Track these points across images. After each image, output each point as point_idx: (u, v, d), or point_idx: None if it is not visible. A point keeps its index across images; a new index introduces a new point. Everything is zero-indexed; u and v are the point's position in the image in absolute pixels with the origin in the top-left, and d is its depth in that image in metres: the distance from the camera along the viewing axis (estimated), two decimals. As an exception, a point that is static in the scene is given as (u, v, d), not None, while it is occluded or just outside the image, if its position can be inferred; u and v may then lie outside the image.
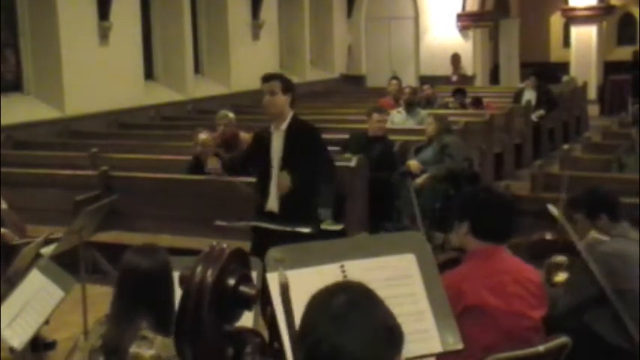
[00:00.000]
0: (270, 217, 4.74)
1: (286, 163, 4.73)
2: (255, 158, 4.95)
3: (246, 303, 1.93)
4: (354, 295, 1.50)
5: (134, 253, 2.83)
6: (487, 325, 2.90)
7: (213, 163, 5.09)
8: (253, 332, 2.09)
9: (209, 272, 1.86)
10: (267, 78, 4.84)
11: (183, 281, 1.93)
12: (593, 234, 3.65)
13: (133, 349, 2.62)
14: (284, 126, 4.76)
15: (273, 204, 4.79)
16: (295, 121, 4.81)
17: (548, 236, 3.93)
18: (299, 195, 4.69)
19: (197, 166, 6.75)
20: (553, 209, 3.65)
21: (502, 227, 3.08)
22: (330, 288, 1.54)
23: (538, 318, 3.02)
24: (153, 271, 2.75)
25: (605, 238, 3.66)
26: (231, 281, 1.89)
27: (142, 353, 2.61)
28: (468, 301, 2.89)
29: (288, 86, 4.79)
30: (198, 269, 1.87)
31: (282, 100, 4.74)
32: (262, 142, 4.89)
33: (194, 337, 1.86)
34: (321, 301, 1.50)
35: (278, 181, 4.69)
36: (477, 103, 11.16)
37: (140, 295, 2.73)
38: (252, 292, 1.91)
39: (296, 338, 1.53)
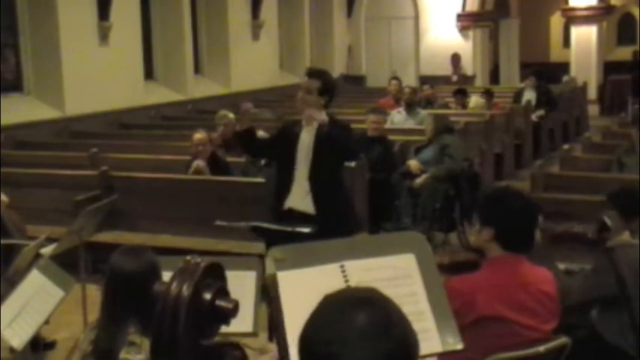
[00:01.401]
0: (291, 215, 4.51)
1: (317, 160, 4.52)
2: (280, 150, 4.71)
3: (223, 317, 1.91)
4: (375, 313, 1.38)
5: (119, 255, 2.78)
6: (500, 335, 2.86)
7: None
8: (233, 346, 2.08)
9: (184, 287, 1.83)
10: (310, 74, 4.66)
11: (158, 297, 1.91)
12: (626, 236, 3.50)
13: (123, 354, 2.59)
14: (316, 123, 4.50)
15: (296, 202, 4.56)
16: (329, 120, 4.55)
17: (576, 229, 3.81)
18: (331, 193, 4.53)
19: (196, 166, 6.75)
20: (608, 220, 3.49)
21: (529, 238, 2.98)
22: (349, 299, 1.43)
23: (548, 330, 2.97)
24: (138, 272, 2.69)
25: (636, 242, 3.51)
26: (208, 295, 1.87)
27: (132, 359, 2.59)
28: (484, 312, 2.84)
29: (327, 88, 4.61)
30: (173, 285, 1.85)
31: (316, 100, 4.55)
32: (290, 133, 4.66)
33: (171, 353, 1.83)
34: (338, 313, 1.39)
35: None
36: (489, 95, 11.14)
37: (127, 297, 2.69)
38: (230, 305, 1.90)
39: (298, 342, 1.45)
